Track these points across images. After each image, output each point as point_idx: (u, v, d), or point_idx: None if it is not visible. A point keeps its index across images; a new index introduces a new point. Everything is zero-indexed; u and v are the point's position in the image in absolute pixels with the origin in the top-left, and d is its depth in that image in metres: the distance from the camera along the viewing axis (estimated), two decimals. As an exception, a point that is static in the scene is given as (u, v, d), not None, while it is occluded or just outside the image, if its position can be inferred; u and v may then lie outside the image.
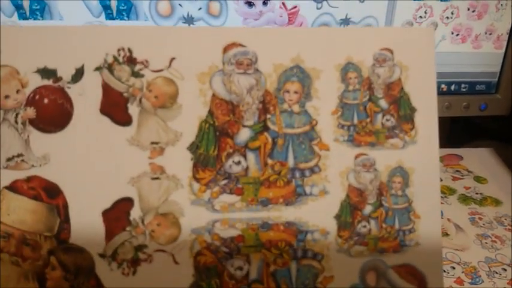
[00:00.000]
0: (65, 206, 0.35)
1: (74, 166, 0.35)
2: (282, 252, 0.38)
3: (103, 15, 0.53)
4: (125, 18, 0.53)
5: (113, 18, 0.53)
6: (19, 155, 0.35)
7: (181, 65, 0.36)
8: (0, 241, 0.35)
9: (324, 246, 0.38)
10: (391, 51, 0.39)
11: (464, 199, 0.62)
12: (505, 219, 0.58)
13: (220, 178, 0.37)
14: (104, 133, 0.36)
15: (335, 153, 0.39)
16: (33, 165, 0.35)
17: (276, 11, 0.56)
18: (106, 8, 0.52)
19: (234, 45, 0.37)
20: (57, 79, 0.35)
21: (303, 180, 0.38)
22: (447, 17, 0.60)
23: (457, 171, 0.68)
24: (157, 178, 0.36)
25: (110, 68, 0.36)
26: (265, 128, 0.38)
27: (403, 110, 0.40)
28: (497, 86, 0.66)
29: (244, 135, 0.37)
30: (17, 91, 0.35)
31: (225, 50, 0.37)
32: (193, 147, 0.37)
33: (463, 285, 0.48)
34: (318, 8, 0.56)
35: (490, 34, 0.62)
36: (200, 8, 0.54)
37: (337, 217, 0.39)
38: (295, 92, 0.38)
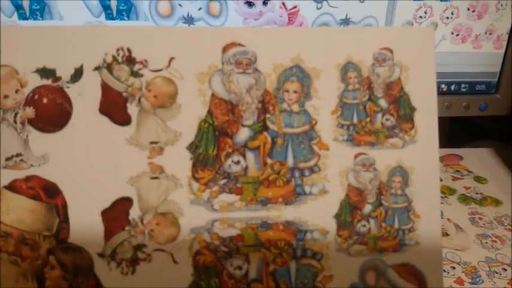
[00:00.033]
0: (64, 206, 0.35)
1: (73, 166, 0.35)
2: (282, 251, 0.38)
3: (103, 15, 0.53)
4: (125, 18, 0.53)
5: (113, 18, 0.53)
6: (18, 155, 0.35)
7: (181, 65, 0.36)
8: (-1, 241, 0.35)
9: (323, 246, 0.38)
10: (391, 51, 0.39)
11: (464, 199, 0.62)
12: (505, 219, 0.58)
13: (220, 178, 0.37)
14: (103, 133, 0.36)
15: (335, 153, 0.39)
16: (32, 165, 0.35)
17: (276, 11, 0.55)
18: (106, 8, 0.52)
19: (233, 44, 0.37)
20: (56, 79, 0.35)
21: (303, 180, 0.38)
22: (447, 17, 0.60)
23: (457, 171, 0.68)
24: (156, 178, 0.36)
25: (109, 67, 0.36)
26: (265, 128, 0.38)
27: (402, 109, 0.40)
28: (497, 86, 0.65)
29: (243, 134, 0.37)
30: (16, 91, 0.35)
31: (224, 49, 0.37)
32: (192, 147, 0.37)
33: (463, 285, 0.48)
34: (318, 8, 0.56)
35: (490, 34, 0.62)
36: (200, 8, 0.54)
37: (337, 216, 0.38)
38: (295, 92, 0.38)
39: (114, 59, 0.36)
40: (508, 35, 0.62)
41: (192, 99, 0.37)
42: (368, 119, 0.39)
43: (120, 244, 0.36)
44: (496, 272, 0.49)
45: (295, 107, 0.38)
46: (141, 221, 0.36)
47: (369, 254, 0.39)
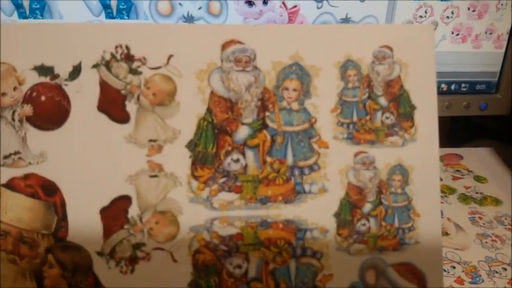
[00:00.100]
0: (63, 204, 0.35)
1: (72, 164, 0.35)
2: (281, 250, 0.38)
3: (103, 14, 0.53)
4: (125, 17, 0.53)
5: (112, 18, 0.53)
6: (16, 153, 0.35)
7: (180, 62, 0.36)
8: (-3, 239, 0.35)
9: (323, 245, 0.38)
10: (391, 49, 0.39)
11: (464, 198, 0.62)
12: (505, 219, 0.57)
13: (219, 176, 0.37)
14: (102, 131, 0.36)
15: (334, 151, 0.38)
16: (30, 163, 0.35)
17: (276, 11, 0.55)
18: (106, 7, 0.52)
19: (232, 42, 0.37)
20: (55, 76, 0.35)
21: (302, 178, 0.38)
22: (447, 17, 0.60)
23: (457, 170, 0.68)
24: (155, 176, 0.36)
25: (108, 65, 0.36)
26: (264, 126, 0.38)
27: (402, 107, 0.40)
28: (497, 85, 0.65)
29: (243, 132, 0.37)
30: (14, 88, 0.35)
31: (224, 47, 0.37)
32: (191, 145, 0.37)
33: (463, 284, 0.48)
34: (318, 8, 0.56)
35: (490, 34, 0.62)
36: (200, 8, 0.54)
37: (337, 215, 0.38)
38: (294, 90, 0.38)
39: (113, 56, 0.36)
40: (508, 35, 0.62)
41: (191, 97, 0.37)
42: (368, 117, 0.39)
43: (119, 243, 0.36)
44: (496, 272, 0.49)
45: (295, 105, 0.38)
46: (140, 220, 0.36)
47: (368, 253, 0.39)
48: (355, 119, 0.39)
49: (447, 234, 0.54)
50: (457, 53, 0.63)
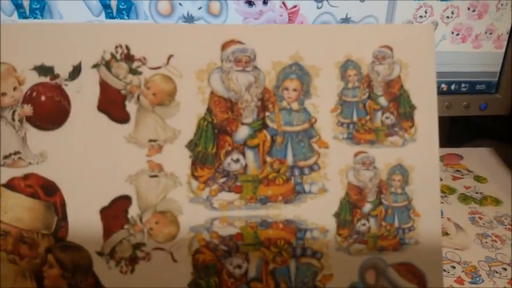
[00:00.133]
0: (63, 204, 0.35)
1: (72, 164, 0.35)
2: (281, 250, 0.37)
3: (103, 14, 0.53)
4: (125, 17, 0.53)
5: (113, 18, 0.53)
6: (16, 153, 0.35)
7: (180, 62, 0.36)
8: (-3, 239, 0.35)
9: (323, 245, 0.38)
10: (391, 49, 0.39)
11: (464, 198, 0.62)
12: (505, 219, 0.57)
13: (219, 176, 0.37)
14: (102, 131, 0.36)
15: (334, 151, 0.38)
16: (30, 163, 0.35)
17: (276, 11, 0.55)
18: (106, 7, 0.52)
19: (232, 42, 0.37)
20: (55, 76, 0.35)
21: (302, 178, 0.38)
22: (447, 17, 0.60)
23: (457, 170, 0.68)
24: (155, 176, 0.36)
25: (108, 65, 0.36)
26: (264, 126, 0.38)
27: (402, 107, 0.40)
28: (497, 85, 0.65)
29: (243, 132, 0.37)
30: (14, 88, 0.35)
31: (224, 47, 0.37)
32: (191, 145, 0.37)
33: (463, 284, 0.48)
34: (318, 8, 0.56)
35: (490, 34, 0.62)
36: (200, 8, 0.54)
37: (337, 215, 0.38)
38: (294, 90, 0.38)
39: (113, 56, 0.36)
40: (508, 35, 0.62)
41: (191, 97, 0.37)
42: (368, 117, 0.39)
43: (119, 243, 0.36)
44: (496, 272, 0.49)
45: (295, 105, 0.38)
46: (140, 220, 0.36)
47: (368, 253, 0.39)
48: (355, 119, 0.39)
49: (447, 234, 0.54)
50: (457, 53, 0.63)
